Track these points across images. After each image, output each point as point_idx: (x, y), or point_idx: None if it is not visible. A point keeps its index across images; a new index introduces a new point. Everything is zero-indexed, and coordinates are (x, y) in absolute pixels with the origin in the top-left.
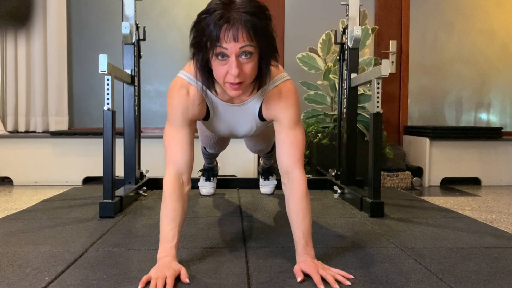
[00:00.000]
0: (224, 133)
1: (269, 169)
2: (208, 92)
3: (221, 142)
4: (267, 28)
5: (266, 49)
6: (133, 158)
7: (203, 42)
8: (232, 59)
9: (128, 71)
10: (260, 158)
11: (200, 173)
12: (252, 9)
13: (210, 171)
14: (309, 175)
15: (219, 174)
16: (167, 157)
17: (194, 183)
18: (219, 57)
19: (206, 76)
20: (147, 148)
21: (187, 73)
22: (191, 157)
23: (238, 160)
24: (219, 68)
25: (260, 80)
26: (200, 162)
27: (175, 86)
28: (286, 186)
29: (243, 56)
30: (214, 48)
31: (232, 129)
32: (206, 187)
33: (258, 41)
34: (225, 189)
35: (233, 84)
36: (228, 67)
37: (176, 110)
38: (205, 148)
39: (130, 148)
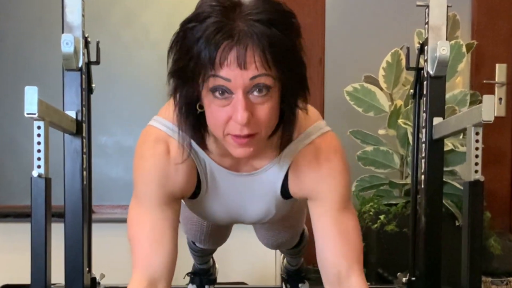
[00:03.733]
0: (222, 219)
1: (297, 272)
2: (200, 151)
3: (218, 232)
4: (294, 46)
5: (292, 81)
6: (79, 254)
7: (189, 68)
8: (238, 96)
9: (72, 113)
10: (282, 255)
11: (187, 278)
12: (269, 15)
13: (203, 276)
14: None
15: (219, 280)
16: (133, 256)
17: None
18: (217, 93)
19: (192, 123)
20: (102, 238)
21: (165, 120)
22: (173, 255)
23: (249, 257)
24: (215, 112)
25: (283, 132)
26: (187, 260)
27: (146, 141)
28: None
29: (255, 93)
30: (208, 78)
31: (234, 214)
32: None
33: (279, 69)
34: None
35: (239, 137)
36: (232, 110)
37: (148, 180)
38: (193, 242)
39: (74, 239)
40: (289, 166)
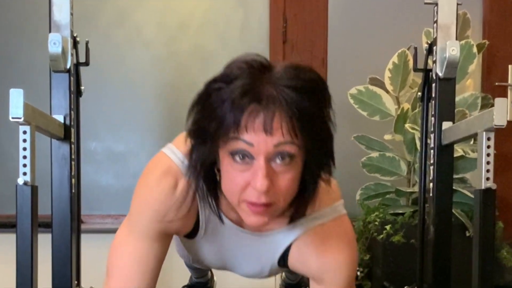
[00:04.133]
0: (212, 264)
1: (297, 286)
2: (208, 197)
3: None
4: (323, 116)
5: (317, 152)
6: (68, 267)
7: (210, 129)
8: (259, 162)
9: (60, 117)
10: None
11: None
12: (300, 82)
13: None
14: None
15: None
16: (109, 282)
17: None
18: (237, 157)
19: (206, 183)
20: (92, 249)
21: (182, 154)
22: None
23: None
24: (233, 176)
25: (301, 203)
26: (183, 271)
27: (156, 170)
28: None
29: (278, 160)
30: (229, 141)
31: (226, 264)
32: None
33: (306, 138)
34: None
35: (256, 205)
36: (251, 176)
37: (146, 211)
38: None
39: (62, 250)
40: (294, 239)
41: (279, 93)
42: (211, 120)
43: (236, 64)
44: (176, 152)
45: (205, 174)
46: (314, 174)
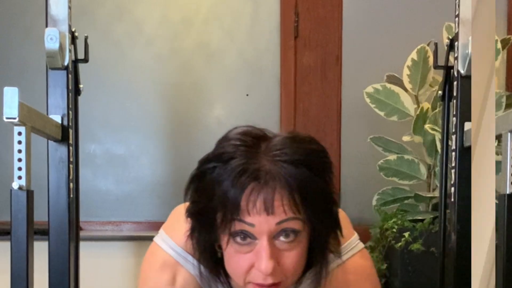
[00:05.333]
0: None
1: None
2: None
3: None
4: (325, 186)
5: (323, 223)
6: (65, 276)
7: (208, 210)
8: (262, 243)
9: (57, 117)
10: None
11: None
12: (297, 155)
13: None
14: None
15: None
16: None
17: None
18: (238, 238)
19: (211, 265)
20: (91, 258)
21: (175, 244)
22: None
23: None
24: (236, 259)
25: (313, 273)
26: None
27: (152, 266)
28: None
29: (282, 238)
30: (230, 223)
31: None
32: None
33: (309, 211)
34: None
35: (263, 286)
36: (255, 257)
37: None
38: None
39: (60, 259)
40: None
41: (277, 168)
42: (208, 201)
43: (229, 141)
44: (168, 242)
45: (208, 255)
46: (322, 245)
